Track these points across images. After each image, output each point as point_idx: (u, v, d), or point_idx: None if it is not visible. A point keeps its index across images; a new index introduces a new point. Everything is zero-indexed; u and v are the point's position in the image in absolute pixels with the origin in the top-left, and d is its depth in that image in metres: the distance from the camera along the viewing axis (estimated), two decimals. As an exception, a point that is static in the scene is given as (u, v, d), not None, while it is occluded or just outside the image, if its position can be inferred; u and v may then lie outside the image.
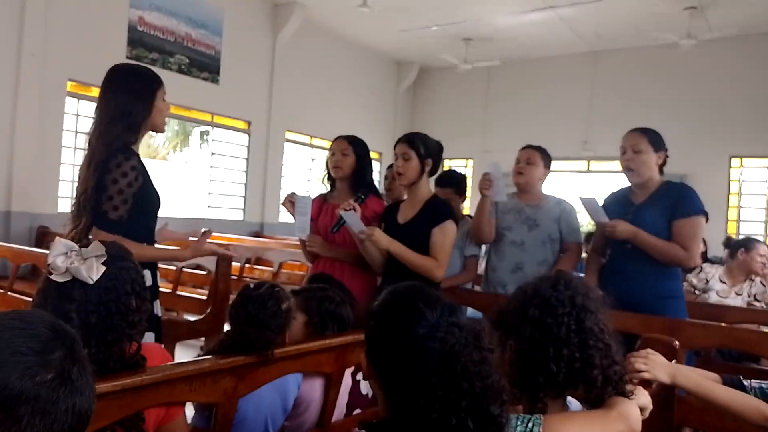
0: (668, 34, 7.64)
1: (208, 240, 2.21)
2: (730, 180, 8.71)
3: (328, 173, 2.85)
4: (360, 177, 2.76)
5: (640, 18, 7.98)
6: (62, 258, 1.19)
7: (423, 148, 2.53)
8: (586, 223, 3.22)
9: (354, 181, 2.75)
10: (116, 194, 1.91)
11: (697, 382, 1.43)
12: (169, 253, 2.16)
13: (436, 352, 0.95)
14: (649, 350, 1.45)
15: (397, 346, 0.99)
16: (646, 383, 1.36)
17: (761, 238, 8.15)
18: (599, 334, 1.18)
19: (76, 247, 1.22)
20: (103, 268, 1.20)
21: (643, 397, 1.22)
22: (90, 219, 1.94)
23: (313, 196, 2.77)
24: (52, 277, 1.19)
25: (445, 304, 1.03)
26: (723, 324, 2.74)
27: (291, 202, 2.65)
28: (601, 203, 2.67)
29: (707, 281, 3.83)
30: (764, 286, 3.77)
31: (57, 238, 1.23)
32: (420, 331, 0.98)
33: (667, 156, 2.62)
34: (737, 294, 3.73)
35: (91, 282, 1.18)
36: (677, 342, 1.65)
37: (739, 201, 8.76)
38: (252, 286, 1.69)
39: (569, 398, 1.23)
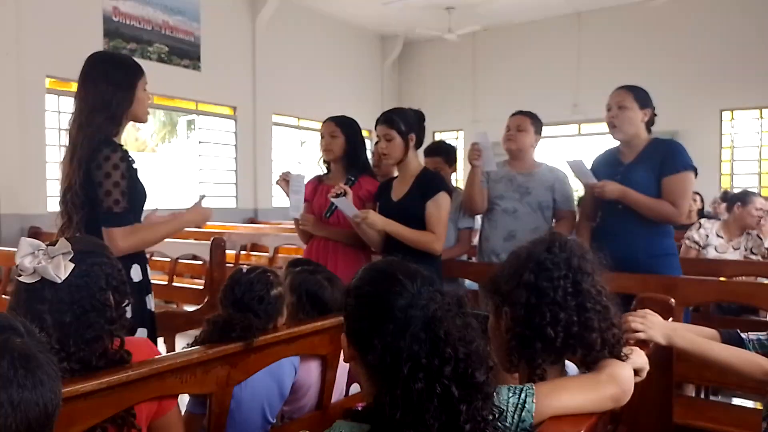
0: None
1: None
2: (722, 134, 8.68)
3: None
4: (353, 158, 2.74)
5: (624, -25, 7.86)
6: (29, 258, 1.15)
7: (403, 124, 2.50)
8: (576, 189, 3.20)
9: (347, 162, 2.74)
10: (113, 187, 1.85)
11: (695, 342, 1.41)
12: (176, 224, 2.09)
13: (418, 319, 0.93)
14: (647, 310, 1.43)
15: (378, 320, 0.96)
16: (643, 343, 1.35)
17: (756, 191, 8.17)
18: (597, 296, 1.15)
19: (44, 245, 1.18)
20: (71, 266, 1.16)
21: (639, 358, 1.20)
22: (79, 217, 1.89)
23: (307, 177, 2.75)
24: (20, 278, 1.15)
25: (425, 276, 1.01)
26: (719, 278, 2.73)
27: (285, 180, 2.66)
28: (589, 166, 2.65)
29: (707, 236, 3.83)
30: (760, 239, 3.77)
31: (22, 238, 1.19)
32: (401, 302, 0.96)
33: (654, 114, 2.59)
34: (734, 248, 3.72)
35: (59, 281, 1.15)
36: (673, 300, 1.63)
37: (732, 154, 8.75)
38: (245, 270, 1.66)
39: (567, 362, 1.21)
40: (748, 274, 3.01)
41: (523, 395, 1.03)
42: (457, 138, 10.40)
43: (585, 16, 9.45)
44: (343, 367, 1.90)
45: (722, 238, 3.78)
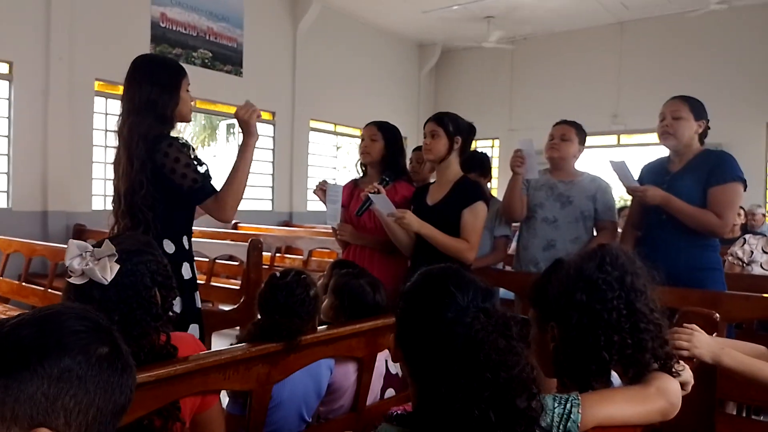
0: (697, 0, 7.36)
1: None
2: (767, 146, 8.41)
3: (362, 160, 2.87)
4: (391, 163, 2.76)
5: (668, -16, 7.71)
6: (78, 260, 1.20)
7: (452, 126, 2.50)
8: (619, 199, 3.16)
9: (385, 166, 2.75)
10: (186, 168, 1.88)
11: (744, 362, 1.37)
12: (242, 159, 2.04)
13: (460, 338, 0.91)
14: (695, 326, 1.39)
15: (423, 329, 0.96)
16: (686, 358, 1.32)
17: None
18: (650, 315, 1.12)
19: (90, 247, 1.22)
20: (116, 267, 1.20)
21: (685, 373, 1.18)
22: (153, 217, 1.90)
23: (342, 184, 2.77)
24: (70, 280, 1.20)
25: (478, 288, 0.99)
26: (764, 295, 2.65)
27: (322, 190, 2.68)
28: (631, 169, 2.59)
29: (752, 253, 3.70)
30: (809, 255, 3.63)
31: (70, 240, 1.24)
32: (448, 315, 0.94)
33: (708, 126, 2.53)
34: (782, 266, 3.60)
35: (106, 282, 1.19)
36: (717, 315, 1.60)
37: (779, 168, 8.46)
38: (278, 274, 1.69)
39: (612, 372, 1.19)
40: (796, 292, 2.91)
41: (568, 405, 1.01)
42: (492, 146, 10.34)
43: (627, 25, 9.30)
44: (378, 371, 1.92)
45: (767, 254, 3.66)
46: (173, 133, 2.01)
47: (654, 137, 9.44)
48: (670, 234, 2.46)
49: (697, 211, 2.41)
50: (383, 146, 2.74)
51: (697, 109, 2.50)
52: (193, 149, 1.97)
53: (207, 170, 1.96)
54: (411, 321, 1.00)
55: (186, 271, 1.95)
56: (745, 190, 2.46)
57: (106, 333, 0.78)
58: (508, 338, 0.93)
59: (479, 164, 3.25)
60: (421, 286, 1.03)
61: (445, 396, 0.89)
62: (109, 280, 1.19)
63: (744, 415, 2.86)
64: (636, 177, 2.62)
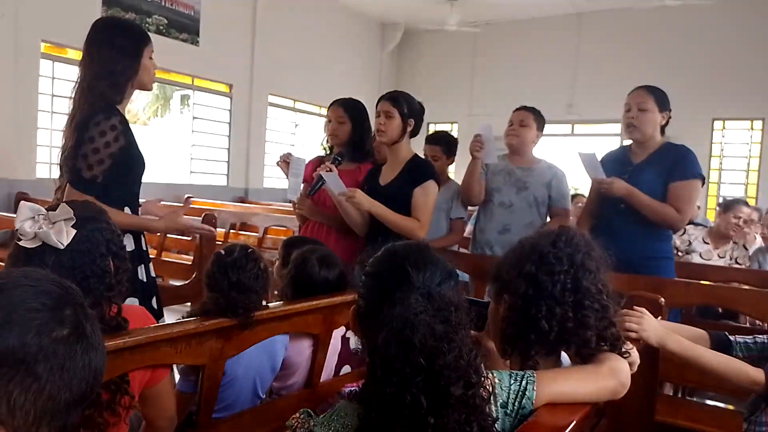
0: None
1: (185, 215, 2.13)
2: (712, 142, 8.77)
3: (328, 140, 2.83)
4: (358, 144, 2.73)
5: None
6: (30, 223, 1.15)
7: (407, 107, 2.49)
8: (571, 188, 3.23)
9: (352, 148, 2.72)
10: (91, 153, 1.82)
11: (687, 347, 1.43)
12: (143, 222, 2.05)
13: (399, 320, 0.89)
14: (644, 310, 1.44)
15: (372, 306, 0.96)
16: (633, 340, 1.37)
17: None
18: (597, 294, 1.15)
19: (44, 210, 1.17)
20: (73, 232, 1.16)
21: (633, 353, 1.22)
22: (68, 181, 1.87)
23: (306, 159, 2.73)
24: (21, 243, 1.14)
25: (437, 269, 0.98)
26: (703, 282, 2.77)
27: (286, 162, 2.64)
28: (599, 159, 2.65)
29: (690, 243, 3.85)
30: (746, 249, 3.81)
31: (22, 202, 1.19)
32: (396, 296, 0.93)
33: (670, 117, 2.59)
34: (720, 257, 3.76)
35: (62, 247, 1.15)
36: (663, 299, 1.66)
37: (721, 163, 8.84)
38: (223, 252, 1.66)
39: (563, 354, 1.22)
40: (733, 281, 3.06)
41: (524, 382, 1.04)
42: (451, 130, 10.39)
43: (585, 16, 9.47)
44: (333, 347, 1.92)
45: (708, 244, 3.82)
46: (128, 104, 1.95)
47: (606, 128, 9.76)
48: (626, 223, 2.51)
49: (658, 205, 2.47)
50: (351, 128, 2.71)
51: (662, 101, 2.55)
52: (126, 133, 1.89)
53: (107, 171, 1.86)
54: (365, 296, 1.01)
55: (128, 242, 1.89)
56: (702, 186, 2.55)
57: (71, 309, 0.72)
58: (447, 323, 0.91)
59: (446, 142, 3.26)
60: (381, 260, 1.03)
61: (381, 378, 0.87)
62: (66, 244, 1.15)
63: (680, 395, 3.01)
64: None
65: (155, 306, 2.04)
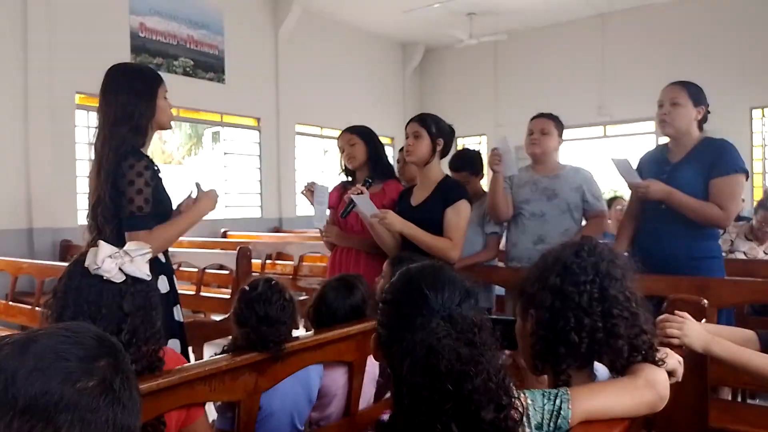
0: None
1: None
2: (752, 132, 8.47)
3: (344, 168, 2.87)
4: (376, 162, 2.77)
5: (647, -26, 7.76)
6: (109, 261, 1.20)
7: (434, 127, 2.50)
8: (609, 190, 3.16)
9: (371, 167, 2.76)
10: (136, 195, 1.86)
11: (733, 351, 1.36)
12: (192, 216, 2.05)
13: (422, 346, 0.87)
14: (686, 315, 1.38)
15: (394, 333, 0.93)
16: (676, 346, 1.31)
17: (789, 189, 7.93)
18: (624, 302, 1.11)
19: (119, 249, 1.23)
20: (147, 266, 1.24)
21: (671, 361, 1.17)
22: (111, 229, 1.89)
23: (328, 185, 2.76)
24: (108, 277, 1.20)
25: (456, 288, 0.95)
26: (749, 279, 2.65)
27: (310, 190, 2.67)
28: (634, 165, 2.57)
29: (732, 242, 3.70)
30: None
31: (100, 241, 1.25)
32: (417, 321, 0.90)
33: (708, 112, 2.49)
34: (766, 253, 3.60)
35: (149, 278, 1.22)
36: (706, 301, 1.59)
37: (764, 153, 8.52)
38: (248, 287, 1.67)
39: (596, 365, 1.18)
40: (784, 275, 2.91)
41: (558, 401, 1.00)
42: (480, 143, 10.34)
43: (608, 17, 9.34)
44: (370, 375, 1.89)
45: (751, 241, 3.66)
46: (158, 151, 1.99)
47: (640, 126, 9.53)
48: (669, 224, 2.43)
49: (700, 204, 2.37)
50: (364, 147, 2.75)
51: (696, 95, 2.46)
52: (157, 172, 1.95)
53: (159, 204, 1.93)
54: (385, 323, 0.98)
55: (162, 284, 1.92)
56: (747, 180, 2.44)
57: (105, 362, 0.71)
58: (472, 345, 0.89)
59: (470, 163, 3.25)
60: (397, 286, 1.01)
61: (409, 408, 0.85)
62: (150, 276, 1.24)
63: (739, 399, 2.86)
64: (633, 164, 2.60)
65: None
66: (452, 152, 2.88)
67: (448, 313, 0.92)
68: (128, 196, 1.86)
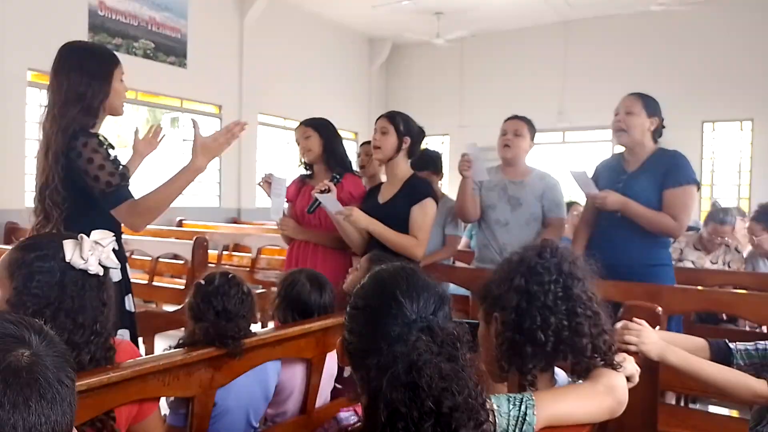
0: (638, 1, 7.61)
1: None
2: (703, 145, 8.80)
3: (302, 161, 2.85)
4: (332, 154, 2.74)
5: (611, -15, 7.96)
6: (78, 252, 1.20)
7: (403, 125, 2.50)
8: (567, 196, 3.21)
9: (328, 159, 2.73)
10: (99, 170, 1.76)
11: (688, 360, 1.41)
12: (187, 176, 1.93)
13: (402, 360, 0.83)
14: (643, 322, 1.42)
15: (367, 341, 0.88)
16: (633, 353, 1.34)
17: (735, 201, 8.28)
18: (587, 302, 1.14)
19: (87, 238, 1.22)
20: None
21: (630, 366, 1.20)
22: (59, 213, 1.80)
23: (289, 179, 2.73)
24: (92, 271, 1.20)
25: (431, 295, 0.92)
26: (701, 287, 2.75)
27: (268, 182, 2.64)
28: (590, 175, 2.64)
29: (681, 251, 3.82)
30: (738, 252, 3.78)
31: (82, 236, 1.23)
32: (393, 330, 0.86)
33: (662, 124, 2.57)
34: (712, 263, 3.73)
35: (119, 267, 1.27)
36: (660, 308, 1.63)
37: (713, 165, 8.88)
38: (203, 281, 1.62)
39: (556, 369, 1.20)
40: (730, 284, 3.04)
41: (523, 407, 1.00)
42: (443, 143, 10.42)
43: (572, 25, 9.54)
44: (328, 372, 1.87)
45: (699, 250, 3.78)
46: (112, 135, 1.91)
47: (598, 134, 9.79)
48: (623, 231, 2.49)
49: (654, 215, 2.45)
50: (319, 139, 2.73)
51: (650, 106, 2.54)
52: (112, 147, 1.85)
53: (124, 173, 1.84)
54: (356, 330, 0.93)
55: (115, 272, 1.84)
56: (698, 191, 2.53)
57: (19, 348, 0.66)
58: (455, 360, 0.86)
59: (432, 162, 3.28)
60: (369, 291, 0.96)
61: (386, 423, 0.82)
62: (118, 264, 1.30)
63: (682, 404, 2.97)
64: (590, 175, 2.66)
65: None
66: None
67: (426, 324, 0.88)
68: (92, 174, 1.76)
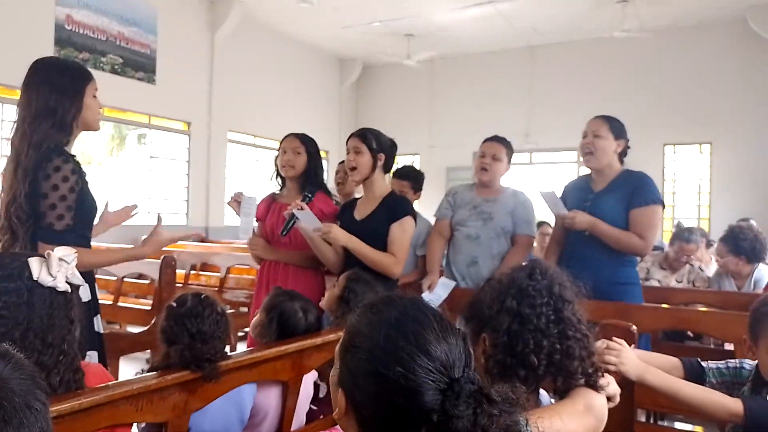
0: (601, 28, 7.87)
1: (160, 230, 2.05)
2: (664, 167, 9.07)
3: (278, 172, 2.77)
4: (312, 176, 2.70)
5: (575, 12, 8.20)
6: (47, 270, 1.17)
7: (375, 142, 2.49)
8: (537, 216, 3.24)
9: (305, 179, 2.69)
10: (59, 201, 1.74)
11: (666, 380, 1.43)
12: (127, 253, 2.01)
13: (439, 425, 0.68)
14: (623, 342, 1.43)
15: (389, 409, 0.72)
16: (612, 372, 1.36)
17: (696, 222, 8.53)
18: (577, 324, 1.15)
19: (51, 255, 1.19)
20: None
21: (613, 386, 1.21)
22: (25, 231, 1.76)
23: (255, 196, 2.68)
24: (60, 289, 1.17)
25: (457, 338, 0.77)
26: (669, 306, 2.81)
27: (237, 201, 2.58)
28: (559, 194, 2.69)
29: (648, 270, 3.90)
30: (702, 270, 3.89)
31: (48, 252, 1.20)
32: (426, 397, 0.70)
33: (628, 146, 2.65)
34: (677, 281, 3.82)
35: (84, 285, 1.24)
36: (635, 327, 1.66)
37: (674, 186, 9.15)
38: (175, 303, 1.59)
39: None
40: (696, 302, 3.11)
41: None
42: (413, 162, 10.49)
43: (537, 50, 9.79)
44: (304, 394, 1.84)
45: (665, 270, 3.88)
46: (76, 150, 1.89)
47: (564, 155, 9.99)
48: (592, 250, 2.55)
49: (621, 234, 2.51)
50: (306, 159, 2.68)
51: (617, 129, 2.61)
52: (81, 176, 1.83)
53: (75, 220, 1.82)
54: (369, 391, 0.77)
55: (84, 292, 1.79)
56: (663, 210, 2.60)
57: None
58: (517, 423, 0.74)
59: (414, 177, 3.30)
60: (380, 340, 0.78)
61: None
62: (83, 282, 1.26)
63: (651, 421, 3.01)
64: (559, 195, 2.70)
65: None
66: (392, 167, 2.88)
67: (477, 387, 0.73)
68: (50, 200, 1.74)
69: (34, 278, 1.15)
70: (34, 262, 1.17)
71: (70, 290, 1.20)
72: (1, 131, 5.87)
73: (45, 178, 1.74)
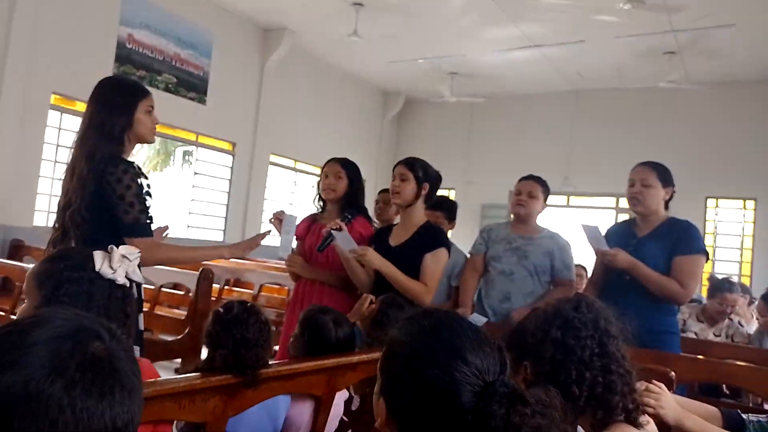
0: (647, 77, 7.85)
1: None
2: (705, 220, 8.89)
3: (319, 195, 2.84)
4: (352, 200, 2.76)
5: (622, 60, 8.21)
6: (108, 264, 1.25)
7: (422, 172, 2.54)
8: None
9: (346, 203, 2.75)
10: (136, 198, 1.90)
11: (704, 427, 1.41)
12: (213, 251, 2.16)
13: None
14: (663, 386, 1.42)
15: (432, 411, 0.74)
16: (650, 415, 1.34)
17: (735, 277, 8.29)
18: (621, 360, 1.15)
19: (116, 250, 1.27)
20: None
21: (649, 427, 1.20)
22: (79, 235, 1.90)
23: (297, 215, 2.75)
24: (119, 282, 1.24)
25: (490, 342, 0.80)
26: (708, 358, 2.74)
27: (279, 219, 2.63)
28: (603, 233, 2.67)
29: (684, 321, 3.81)
30: (741, 326, 3.77)
31: (112, 247, 1.28)
32: (464, 396, 0.73)
33: (674, 192, 2.63)
34: (715, 335, 3.72)
35: (144, 282, 1.30)
36: (673, 373, 1.64)
37: (715, 240, 8.94)
38: (222, 309, 1.64)
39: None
40: (734, 358, 3.02)
41: None
42: (448, 196, 10.51)
43: (581, 94, 9.80)
44: (335, 411, 1.86)
45: (702, 322, 3.77)
46: (130, 156, 2.05)
47: (601, 201, 9.87)
48: (632, 295, 2.50)
49: (662, 279, 2.48)
50: (347, 184, 2.74)
51: (664, 176, 2.60)
52: (146, 178, 1.99)
53: (151, 214, 1.98)
54: (408, 395, 0.79)
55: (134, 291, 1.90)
56: (706, 262, 2.56)
57: (84, 344, 0.66)
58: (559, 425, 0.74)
59: (448, 207, 3.30)
60: (422, 346, 0.80)
61: None
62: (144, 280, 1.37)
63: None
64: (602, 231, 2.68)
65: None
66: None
67: (512, 389, 0.76)
68: (128, 199, 1.89)
69: (96, 270, 1.22)
70: (97, 255, 1.24)
71: (128, 285, 1.26)
72: (57, 139, 6.13)
73: (117, 182, 1.89)
